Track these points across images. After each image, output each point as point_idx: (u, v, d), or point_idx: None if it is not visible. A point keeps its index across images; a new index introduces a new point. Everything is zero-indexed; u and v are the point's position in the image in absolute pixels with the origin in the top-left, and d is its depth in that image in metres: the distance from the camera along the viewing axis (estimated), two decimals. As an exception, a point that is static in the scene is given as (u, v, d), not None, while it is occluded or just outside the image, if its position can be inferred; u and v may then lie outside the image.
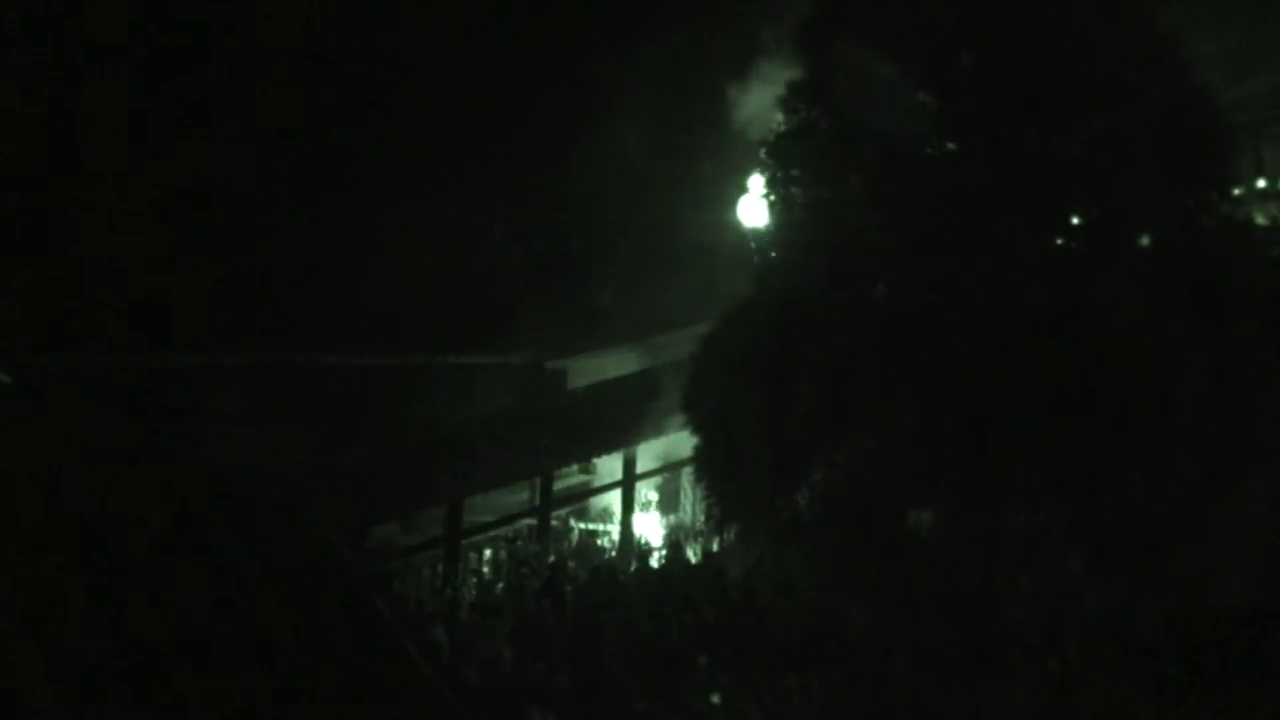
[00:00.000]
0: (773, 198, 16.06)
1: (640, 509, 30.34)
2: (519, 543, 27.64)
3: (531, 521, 28.60)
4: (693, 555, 26.30)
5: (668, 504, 31.08)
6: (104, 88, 34.28)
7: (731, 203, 27.64)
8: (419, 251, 33.96)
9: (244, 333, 32.78)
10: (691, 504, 29.91)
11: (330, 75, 35.42)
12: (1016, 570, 16.08)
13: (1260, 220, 26.56)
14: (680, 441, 21.87)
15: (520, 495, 29.60)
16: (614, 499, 30.55)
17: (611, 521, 30.19)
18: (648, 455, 30.16)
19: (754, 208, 16.61)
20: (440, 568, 26.17)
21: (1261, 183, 29.52)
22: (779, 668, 18.54)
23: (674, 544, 26.26)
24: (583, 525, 29.85)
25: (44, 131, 33.65)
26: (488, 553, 27.57)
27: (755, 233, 16.68)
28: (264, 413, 30.19)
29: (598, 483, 30.72)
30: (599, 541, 29.43)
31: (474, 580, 25.60)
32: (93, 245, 32.99)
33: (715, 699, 18.68)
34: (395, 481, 26.48)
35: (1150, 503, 14.88)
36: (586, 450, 29.28)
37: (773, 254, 16.15)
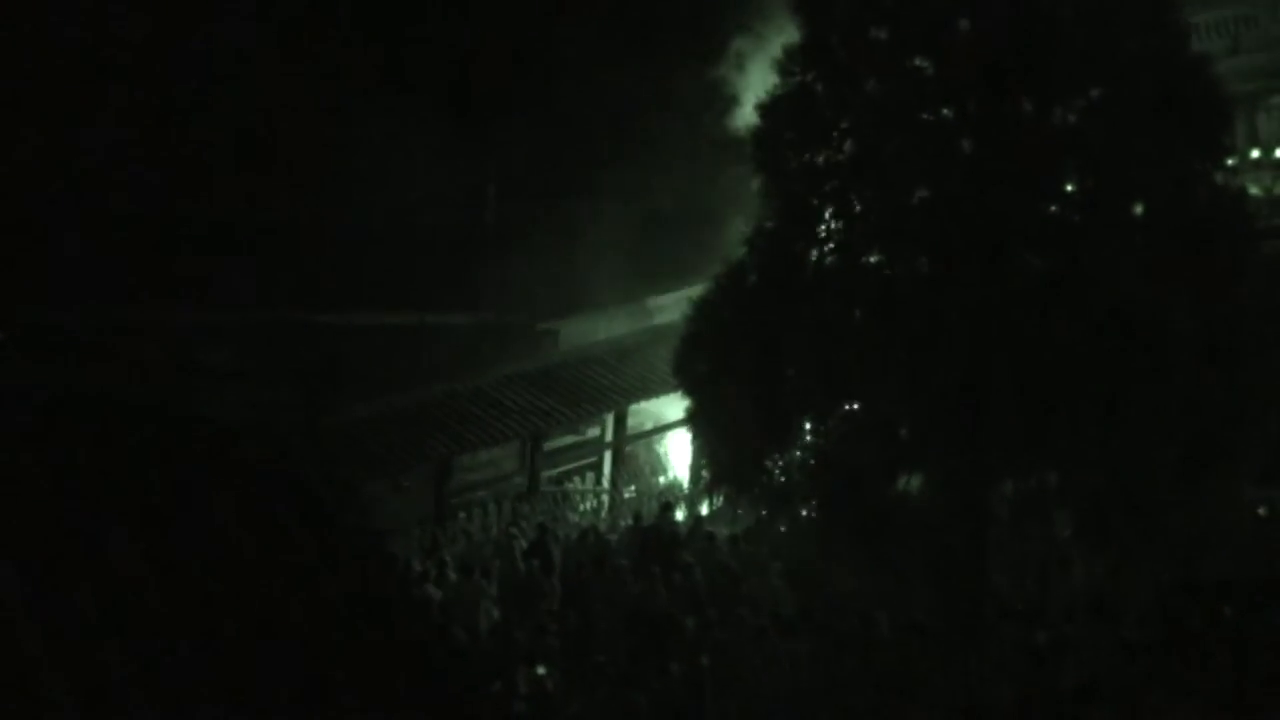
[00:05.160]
0: (766, 161, 16.01)
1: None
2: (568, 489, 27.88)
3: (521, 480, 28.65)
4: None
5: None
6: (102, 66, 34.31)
7: (727, 163, 27.56)
8: (413, 211, 33.91)
9: (239, 290, 32.77)
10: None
11: (330, 34, 35.34)
12: (1005, 537, 16.12)
13: (1254, 190, 26.60)
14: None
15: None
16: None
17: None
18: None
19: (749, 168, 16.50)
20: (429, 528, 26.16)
21: (1256, 153, 29.50)
22: (766, 632, 18.55)
23: (664, 505, 26.23)
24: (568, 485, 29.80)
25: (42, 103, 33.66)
26: (477, 512, 27.56)
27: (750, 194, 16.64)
28: (257, 370, 30.18)
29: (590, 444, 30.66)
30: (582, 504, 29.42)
31: (462, 540, 25.57)
32: (89, 202, 32.98)
33: (704, 661, 18.69)
34: (386, 440, 26.49)
35: (1139, 470, 14.91)
36: (576, 411, 29.28)
37: (765, 218, 16.11)
